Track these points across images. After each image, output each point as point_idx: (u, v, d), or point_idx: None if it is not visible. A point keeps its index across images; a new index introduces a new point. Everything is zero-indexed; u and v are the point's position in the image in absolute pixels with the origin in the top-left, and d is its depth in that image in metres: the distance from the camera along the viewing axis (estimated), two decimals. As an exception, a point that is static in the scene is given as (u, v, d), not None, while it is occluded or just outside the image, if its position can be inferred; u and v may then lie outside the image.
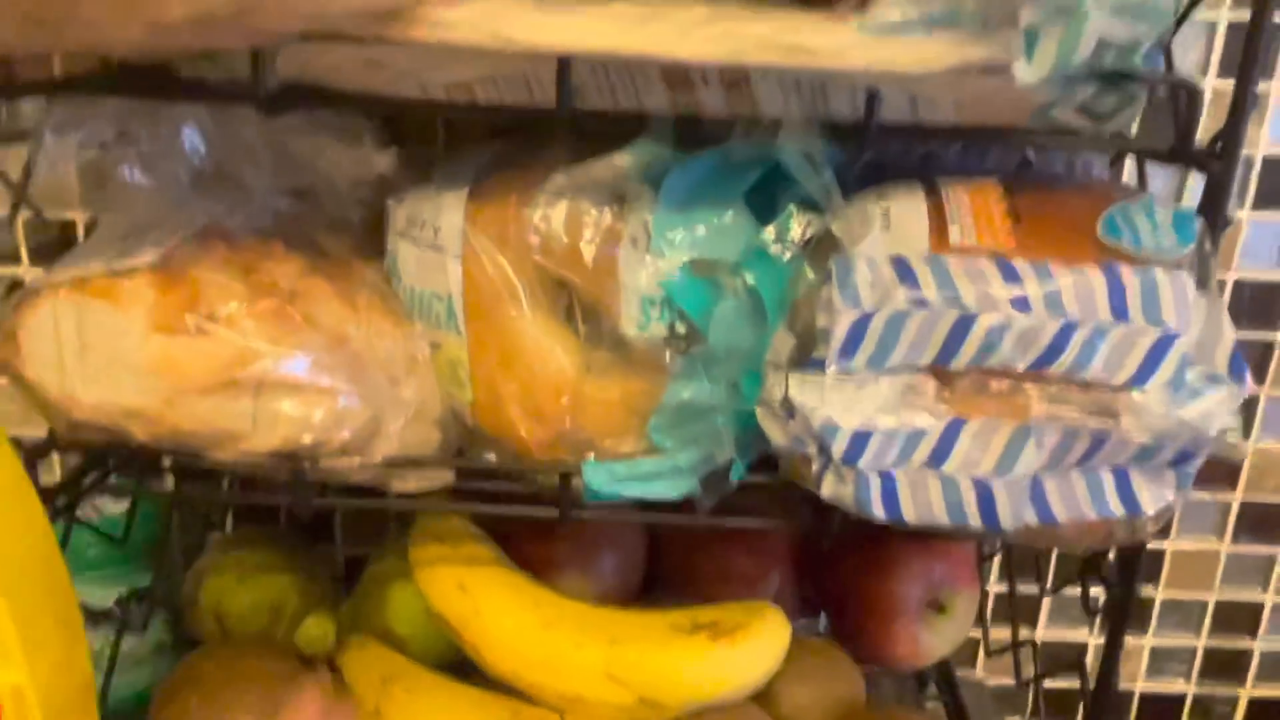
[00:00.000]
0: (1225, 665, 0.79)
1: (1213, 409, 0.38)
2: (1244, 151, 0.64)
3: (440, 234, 0.45)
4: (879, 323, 0.38)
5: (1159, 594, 0.78)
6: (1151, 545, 0.76)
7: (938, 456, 0.39)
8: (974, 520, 0.40)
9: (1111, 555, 0.47)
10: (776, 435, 0.42)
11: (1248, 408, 0.73)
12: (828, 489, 0.40)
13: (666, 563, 0.65)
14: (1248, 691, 0.79)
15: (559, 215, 0.44)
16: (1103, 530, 0.41)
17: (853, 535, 0.66)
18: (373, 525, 0.72)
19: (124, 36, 0.31)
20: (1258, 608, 0.78)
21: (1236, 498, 0.75)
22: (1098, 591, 0.50)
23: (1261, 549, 0.76)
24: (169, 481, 0.65)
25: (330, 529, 0.77)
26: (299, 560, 0.63)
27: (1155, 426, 0.38)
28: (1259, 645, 0.78)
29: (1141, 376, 0.38)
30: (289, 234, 0.45)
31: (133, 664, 0.63)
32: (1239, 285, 0.70)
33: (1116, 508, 0.40)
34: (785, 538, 0.66)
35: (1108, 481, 0.40)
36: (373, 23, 0.33)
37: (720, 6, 0.34)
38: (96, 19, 0.29)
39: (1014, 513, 0.40)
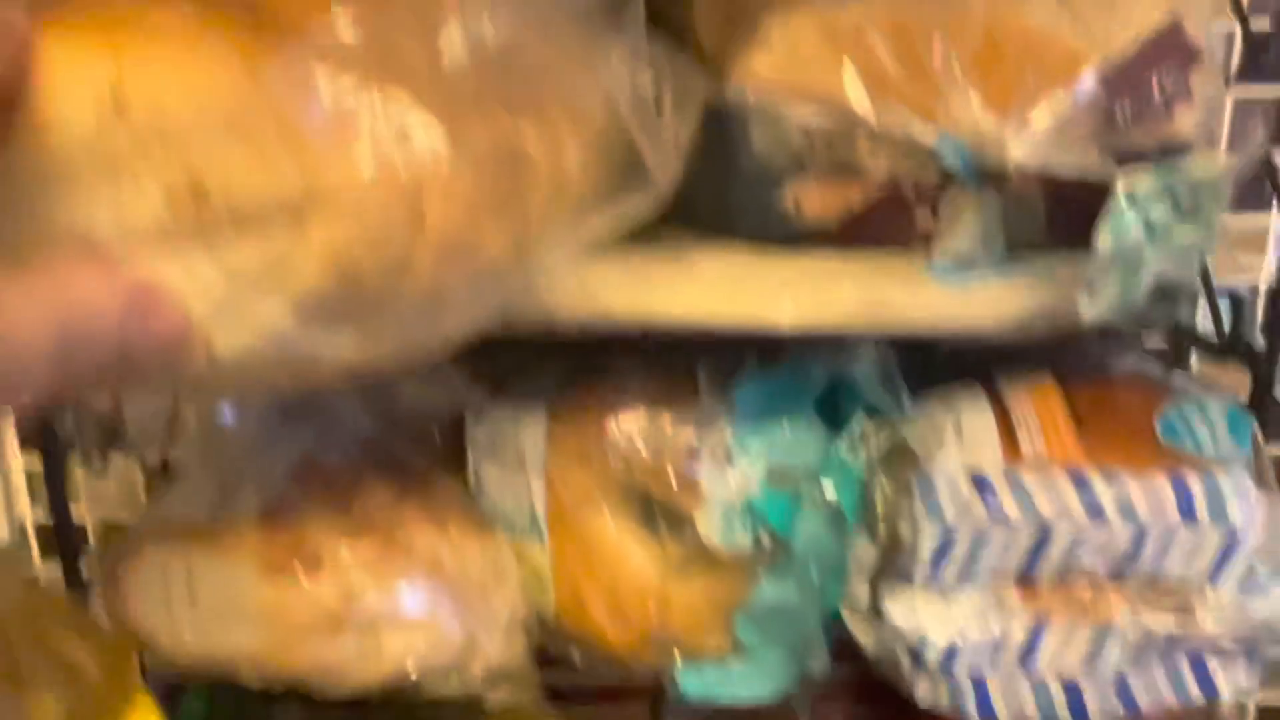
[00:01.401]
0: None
1: (1284, 604, 0.40)
2: None
3: (522, 453, 0.47)
4: (963, 537, 0.40)
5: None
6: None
7: (1025, 659, 0.41)
8: (1064, 717, 0.42)
9: None
10: (866, 639, 0.43)
11: None
12: (923, 693, 0.42)
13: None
14: None
15: (639, 431, 0.46)
16: (1183, 715, 0.43)
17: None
18: None
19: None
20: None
21: None
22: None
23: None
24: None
25: None
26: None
27: (1231, 622, 0.40)
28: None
29: (1214, 576, 0.40)
30: (377, 458, 0.47)
31: None
32: None
33: (1196, 695, 0.42)
34: None
35: (1186, 671, 0.42)
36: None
37: (802, 270, 0.37)
38: (274, 385, 0.32)
39: (1102, 709, 0.41)
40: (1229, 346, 0.43)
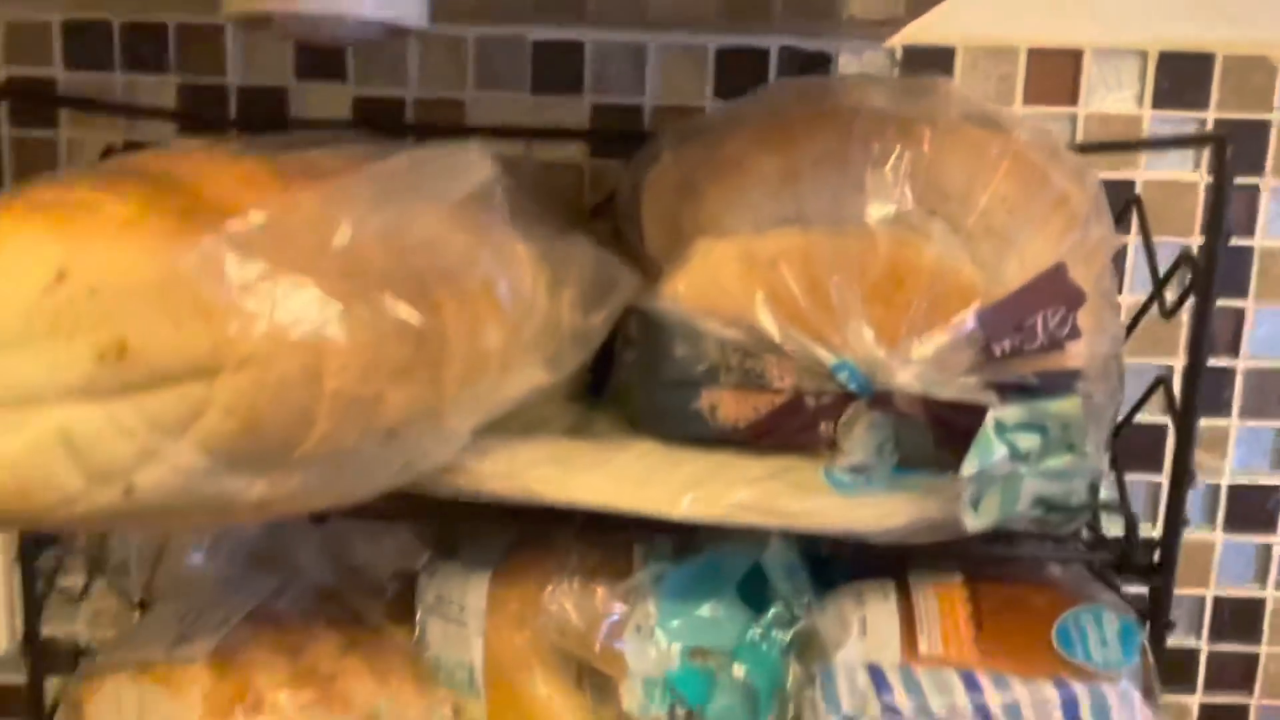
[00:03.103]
0: None
1: (1165, 817, 0.41)
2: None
3: (465, 611, 0.50)
4: (858, 729, 0.42)
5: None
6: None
7: None
8: None
9: None
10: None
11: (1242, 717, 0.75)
12: None
13: None
14: None
15: (571, 602, 0.49)
16: None
17: None
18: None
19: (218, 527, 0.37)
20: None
21: (1254, 702, 0.76)
22: None
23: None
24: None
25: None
26: None
27: (1113, 833, 0.41)
28: None
29: (1100, 783, 0.42)
30: (330, 607, 0.51)
31: None
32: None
33: None
34: None
35: None
36: (430, 477, 0.40)
37: (709, 467, 0.41)
38: (200, 526, 0.36)
39: None
40: (1125, 562, 0.45)
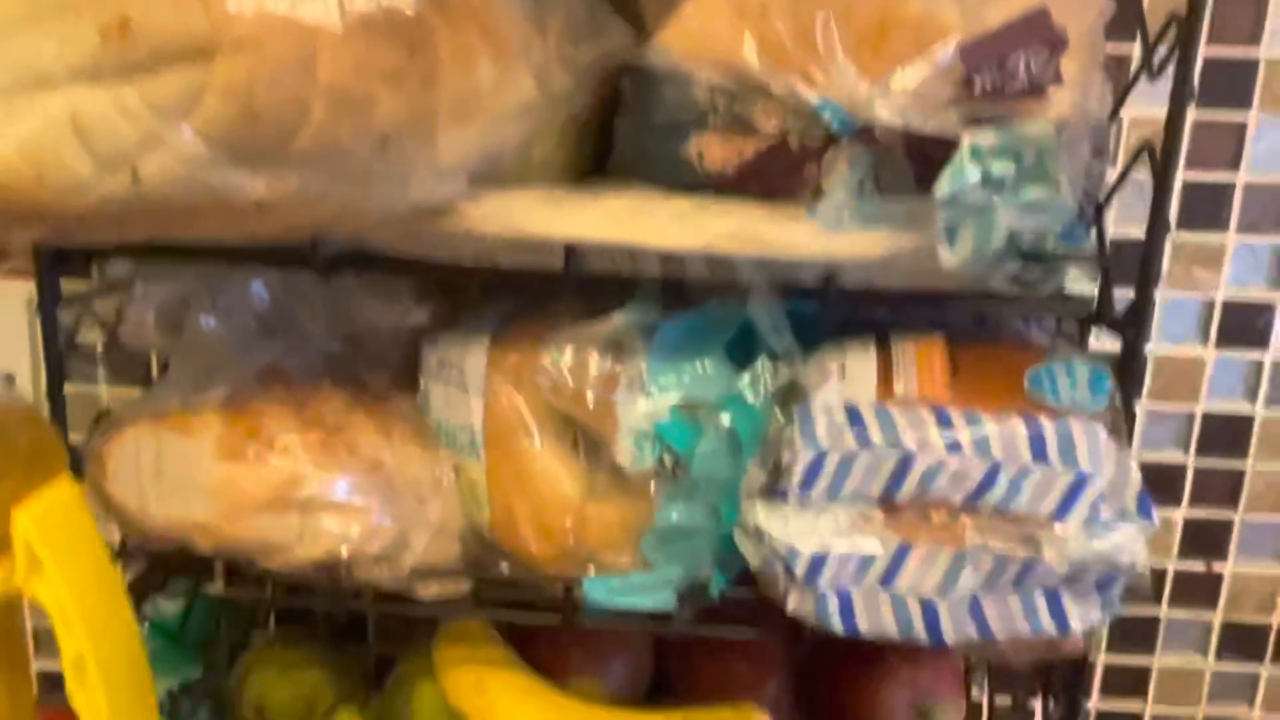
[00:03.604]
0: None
1: (1123, 542, 0.43)
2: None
3: (465, 375, 0.53)
4: (832, 461, 0.44)
5: (1147, 710, 0.81)
6: (1138, 663, 0.80)
7: (887, 578, 0.45)
8: (921, 635, 0.45)
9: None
10: (751, 556, 0.48)
11: (1225, 531, 0.77)
12: (793, 604, 0.46)
13: (672, 668, 0.70)
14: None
15: (566, 362, 0.51)
16: (1039, 645, 0.46)
17: (843, 645, 0.72)
18: (402, 630, 0.78)
19: (227, 236, 0.39)
20: (1244, 725, 0.81)
21: (1217, 618, 0.79)
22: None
23: (1245, 668, 0.80)
24: (220, 585, 0.72)
25: (363, 632, 0.83)
26: (333, 659, 0.70)
27: (1073, 556, 0.43)
28: (1247, 763, 0.81)
29: (1060, 512, 0.44)
30: (337, 373, 0.53)
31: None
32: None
33: (1048, 626, 0.46)
34: (782, 648, 0.71)
35: (1040, 602, 0.46)
36: (423, 219, 0.42)
37: (697, 201, 0.42)
38: (208, 230, 0.38)
39: (956, 629, 0.45)
40: (1099, 315, 0.46)
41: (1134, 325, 0.46)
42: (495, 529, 0.54)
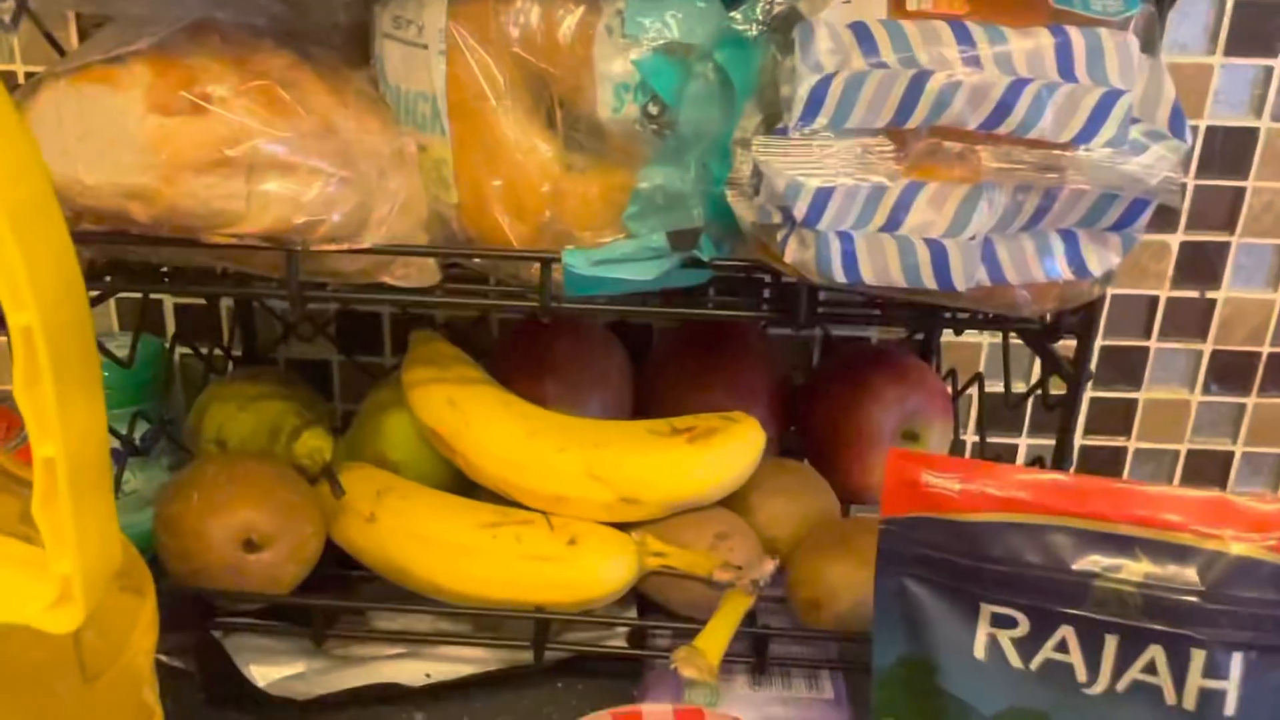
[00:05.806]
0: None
1: (1155, 162, 0.40)
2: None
3: (424, 31, 0.47)
4: (839, 84, 0.40)
5: (1131, 444, 0.80)
6: (1124, 395, 0.79)
7: (894, 219, 0.41)
8: (929, 280, 0.42)
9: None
10: (744, 213, 0.44)
11: (1220, 254, 0.75)
12: (791, 254, 0.42)
13: (651, 402, 0.67)
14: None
15: (536, 7, 0.45)
16: (1053, 292, 0.43)
17: (830, 371, 0.69)
18: (369, 381, 0.74)
19: None
20: (1228, 456, 0.80)
21: (1207, 347, 0.77)
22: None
23: (1231, 399, 0.79)
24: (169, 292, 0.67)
25: (328, 384, 0.80)
26: (297, 391, 0.66)
27: (1101, 179, 0.40)
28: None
29: (1087, 134, 0.40)
30: (280, 31, 0.47)
31: (137, 507, 0.66)
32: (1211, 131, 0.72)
33: (1065, 270, 0.43)
34: (766, 378, 0.68)
35: (1056, 245, 0.42)
36: None
37: None
38: None
39: (967, 273, 0.42)
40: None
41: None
42: (464, 213, 0.50)
